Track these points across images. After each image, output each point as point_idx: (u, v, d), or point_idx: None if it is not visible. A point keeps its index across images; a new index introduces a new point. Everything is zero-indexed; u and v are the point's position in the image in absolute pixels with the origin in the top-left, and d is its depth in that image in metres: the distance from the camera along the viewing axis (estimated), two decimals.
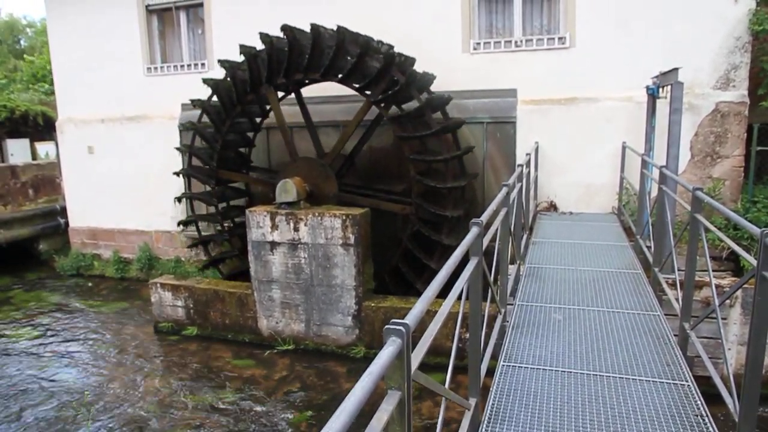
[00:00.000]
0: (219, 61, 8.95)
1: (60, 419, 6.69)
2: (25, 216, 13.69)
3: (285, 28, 8.02)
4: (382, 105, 8.21)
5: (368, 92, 8.24)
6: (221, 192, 9.74)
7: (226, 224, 9.81)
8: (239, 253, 9.78)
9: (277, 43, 8.34)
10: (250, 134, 10.09)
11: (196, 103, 9.15)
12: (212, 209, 9.95)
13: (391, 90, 7.81)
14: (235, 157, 9.94)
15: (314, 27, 7.88)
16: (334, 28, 7.97)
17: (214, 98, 9.16)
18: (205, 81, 9.04)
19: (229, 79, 8.92)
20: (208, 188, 9.64)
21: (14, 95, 21.96)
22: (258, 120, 9.96)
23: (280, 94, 9.37)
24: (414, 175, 8.14)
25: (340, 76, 8.27)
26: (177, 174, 9.92)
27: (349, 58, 8.08)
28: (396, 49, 8.46)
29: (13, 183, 14.19)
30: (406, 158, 8.30)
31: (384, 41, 8.72)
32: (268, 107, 9.57)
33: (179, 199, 9.84)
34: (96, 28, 12.16)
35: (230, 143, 9.60)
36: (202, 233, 10.13)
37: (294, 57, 8.24)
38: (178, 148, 9.98)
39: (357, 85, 8.29)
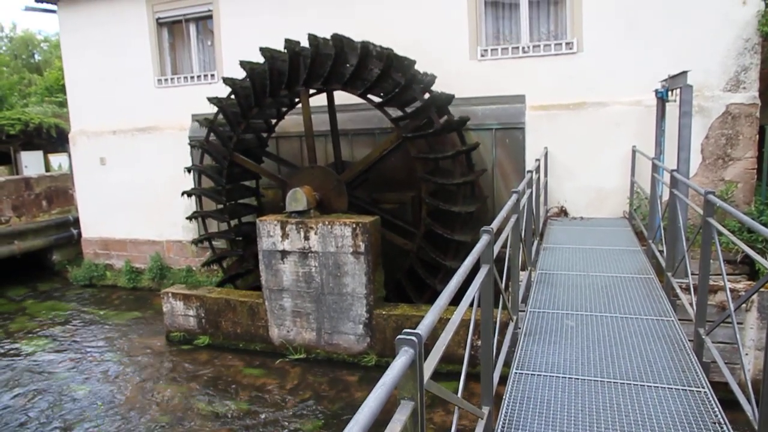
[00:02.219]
0: (261, 48, 8.60)
1: (72, 428, 6.72)
2: (39, 227, 13.84)
3: (335, 38, 7.87)
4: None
5: (400, 122, 8.27)
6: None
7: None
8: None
9: (323, 47, 8.19)
10: (273, 120, 10.08)
11: (227, 82, 9.02)
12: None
13: (425, 130, 7.94)
14: (253, 140, 9.91)
15: (365, 44, 7.89)
16: (382, 46, 8.22)
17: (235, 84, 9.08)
18: (242, 64, 8.83)
19: (267, 67, 8.63)
20: (217, 164, 9.54)
21: (28, 108, 22.29)
22: (284, 109, 9.93)
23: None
24: (424, 216, 8.22)
25: (378, 98, 8.34)
26: (192, 146, 9.83)
27: (392, 81, 8.11)
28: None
29: (27, 194, 14.38)
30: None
31: (428, 72, 8.66)
32: (297, 100, 9.51)
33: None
34: (108, 42, 12.33)
35: (254, 127, 9.61)
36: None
37: (337, 67, 8.16)
38: (197, 121, 9.66)
39: (392, 113, 8.33)
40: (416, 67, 8.69)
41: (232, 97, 9.21)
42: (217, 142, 9.58)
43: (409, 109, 8.54)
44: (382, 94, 8.42)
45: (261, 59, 8.73)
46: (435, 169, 8.62)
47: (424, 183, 8.19)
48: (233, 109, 9.19)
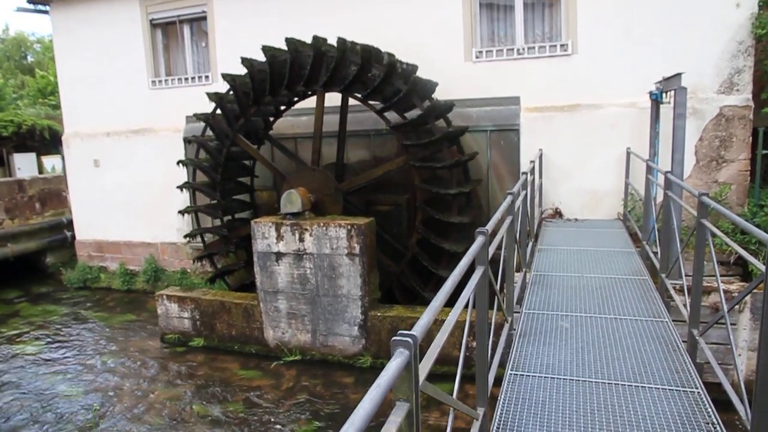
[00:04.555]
0: (286, 39, 8.34)
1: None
2: (32, 229, 13.77)
3: (364, 48, 7.78)
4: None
5: (410, 147, 8.27)
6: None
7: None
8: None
9: (350, 52, 8.04)
10: (283, 107, 9.94)
11: (245, 63, 8.76)
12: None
13: (434, 162, 8.10)
14: (259, 122, 9.78)
15: (392, 60, 7.93)
16: (408, 62, 8.36)
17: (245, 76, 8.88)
18: (264, 49, 8.60)
19: (289, 59, 8.36)
20: (218, 141, 9.35)
21: (21, 110, 22.17)
22: (296, 99, 9.68)
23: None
24: (413, 244, 8.34)
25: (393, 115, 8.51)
26: (198, 117, 9.52)
27: (410, 104, 8.20)
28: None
29: (21, 197, 14.29)
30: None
31: (448, 100, 8.59)
32: (310, 93, 9.32)
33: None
34: (101, 43, 12.28)
35: (263, 111, 9.49)
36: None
37: (361, 75, 8.04)
38: (209, 94, 9.36)
39: (400, 131, 8.40)
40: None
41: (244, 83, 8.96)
42: (223, 120, 9.29)
43: (417, 127, 8.61)
44: (400, 117, 8.55)
45: (326, 39, 8.44)
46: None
47: (420, 194, 8.24)
48: (245, 89, 8.93)
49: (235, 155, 9.70)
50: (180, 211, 9.96)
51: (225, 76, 8.97)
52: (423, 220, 8.29)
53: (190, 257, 11.67)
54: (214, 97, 9.18)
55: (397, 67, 8.01)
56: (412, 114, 8.57)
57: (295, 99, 9.65)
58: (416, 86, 7.99)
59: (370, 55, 7.86)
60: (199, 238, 10.19)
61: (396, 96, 7.94)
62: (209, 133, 9.78)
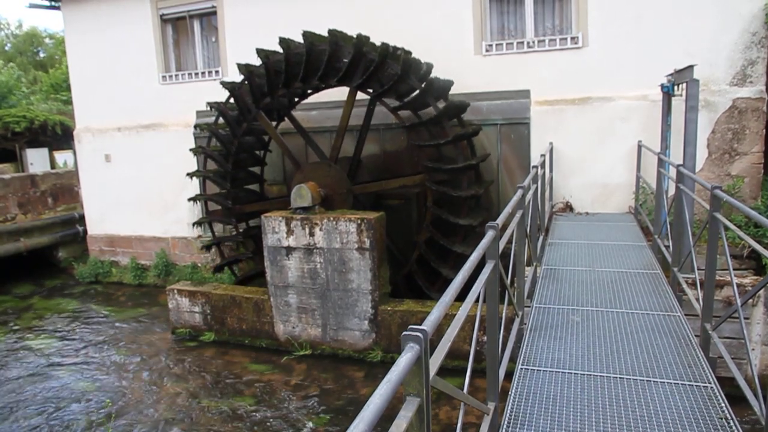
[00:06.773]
0: (329, 30, 8.14)
1: (79, 426, 6.76)
2: (45, 224, 13.91)
3: (405, 59, 7.73)
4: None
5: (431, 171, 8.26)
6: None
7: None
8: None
9: (391, 57, 7.97)
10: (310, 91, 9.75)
11: (282, 44, 8.57)
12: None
13: (450, 174, 8.16)
14: (284, 102, 9.71)
15: (430, 79, 8.02)
16: (443, 79, 8.40)
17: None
18: (305, 34, 8.36)
19: (328, 50, 8.17)
20: (240, 114, 9.26)
21: (34, 105, 22.38)
22: (323, 85, 9.30)
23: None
24: (413, 261, 8.36)
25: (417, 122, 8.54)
26: (225, 86, 9.34)
27: (444, 129, 8.28)
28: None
29: (33, 192, 14.44)
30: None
31: (474, 123, 8.78)
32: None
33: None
34: (112, 38, 12.34)
35: (292, 93, 9.39)
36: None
37: (397, 85, 8.01)
38: (239, 65, 9.15)
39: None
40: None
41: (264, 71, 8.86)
42: (248, 94, 9.14)
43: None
44: (426, 118, 8.55)
45: (369, 35, 8.33)
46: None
47: (430, 215, 8.27)
48: (277, 68, 8.73)
49: (253, 130, 9.63)
50: (188, 174, 9.89)
51: (259, 52, 8.75)
52: (426, 240, 8.33)
53: (201, 251, 11.73)
54: (243, 69, 8.98)
55: (434, 85, 8.03)
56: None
57: (322, 86, 9.35)
58: (450, 110, 8.05)
59: (409, 66, 7.87)
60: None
61: (428, 118, 8.06)
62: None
